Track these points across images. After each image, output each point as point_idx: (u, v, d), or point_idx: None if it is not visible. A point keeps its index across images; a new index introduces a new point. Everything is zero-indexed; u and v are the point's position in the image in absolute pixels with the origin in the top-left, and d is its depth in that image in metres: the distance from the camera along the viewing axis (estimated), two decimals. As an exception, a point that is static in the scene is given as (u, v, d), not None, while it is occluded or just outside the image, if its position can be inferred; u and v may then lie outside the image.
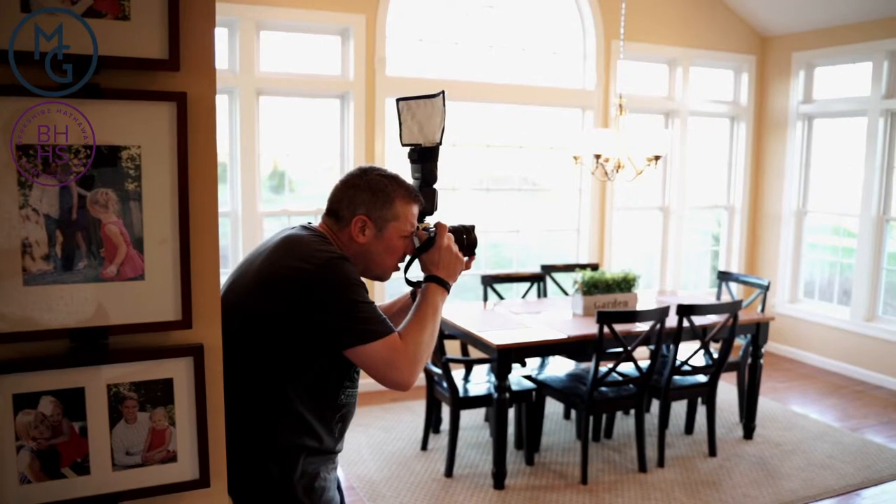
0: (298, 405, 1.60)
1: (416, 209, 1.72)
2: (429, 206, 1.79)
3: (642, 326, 3.84)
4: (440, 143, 1.76)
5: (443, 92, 1.74)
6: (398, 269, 1.78)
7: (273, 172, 5.17)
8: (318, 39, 5.06)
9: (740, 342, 4.70)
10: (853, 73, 5.96)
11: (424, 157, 1.77)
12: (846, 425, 4.81)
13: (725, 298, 5.08)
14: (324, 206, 1.75)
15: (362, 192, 1.66)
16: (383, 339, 1.55)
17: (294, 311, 1.53)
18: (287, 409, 1.59)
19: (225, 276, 1.60)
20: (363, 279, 1.65)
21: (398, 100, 1.76)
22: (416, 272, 1.79)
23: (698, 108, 6.36)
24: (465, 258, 1.80)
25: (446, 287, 1.73)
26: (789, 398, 5.37)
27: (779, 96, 6.44)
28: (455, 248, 1.76)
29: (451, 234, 1.77)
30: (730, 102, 6.59)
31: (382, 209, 1.66)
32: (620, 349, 3.74)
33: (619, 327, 3.68)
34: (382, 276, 1.74)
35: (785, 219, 6.46)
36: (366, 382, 2.24)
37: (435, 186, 1.81)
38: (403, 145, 1.77)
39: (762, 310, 4.69)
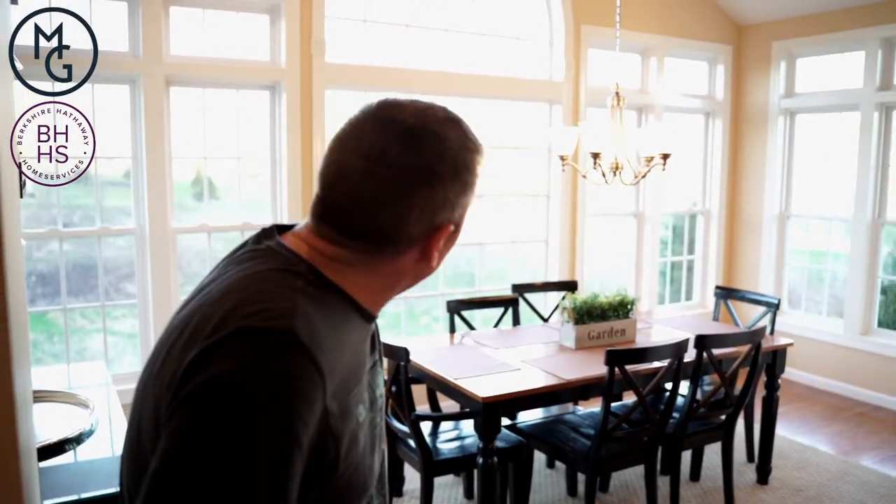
0: None
1: None
2: None
3: (654, 363, 3.13)
4: None
5: None
6: None
7: (194, 180, 4.24)
8: (242, 18, 4.18)
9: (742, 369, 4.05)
10: (840, 64, 5.44)
11: None
12: (862, 459, 4.22)
13: (724, 319, 4.44)
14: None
15: (447, 182, 0.90)
16: None
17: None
18: None
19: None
20: None
21: None
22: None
23: (672, 103, 5.74)
24: None
25: None
26: (789, 425, 4.77)
27: (758, 90, 5.88)
28: None
29: None
30: (704, 97, 6.00)
31: (466, 196, 0.95)
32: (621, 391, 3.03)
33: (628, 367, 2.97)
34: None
35: (766, 224, 5.90)
36: None
37: None
38: None
39: (771, 332, 4.05)
